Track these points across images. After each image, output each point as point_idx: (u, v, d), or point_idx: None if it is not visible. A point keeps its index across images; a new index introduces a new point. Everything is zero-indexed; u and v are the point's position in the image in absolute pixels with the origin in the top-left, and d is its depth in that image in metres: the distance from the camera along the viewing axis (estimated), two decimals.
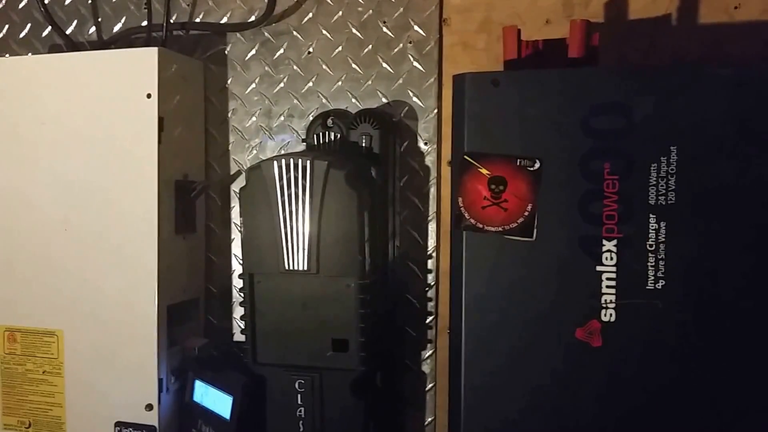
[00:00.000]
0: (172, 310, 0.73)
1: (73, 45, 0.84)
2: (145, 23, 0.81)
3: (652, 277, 0.53)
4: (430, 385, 0.74)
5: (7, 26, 0.88)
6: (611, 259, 0.54)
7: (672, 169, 0.53)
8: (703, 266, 0.53)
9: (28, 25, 0.87)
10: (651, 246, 0.53)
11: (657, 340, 0.53)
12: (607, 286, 0.54)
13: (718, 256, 0.53)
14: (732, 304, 0.53)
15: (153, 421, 0.71)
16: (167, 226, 0.72)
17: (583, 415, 0.55)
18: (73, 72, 0.73)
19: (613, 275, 0.54)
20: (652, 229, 0.53)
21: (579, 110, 0.54)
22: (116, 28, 0.83)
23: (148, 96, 0.70)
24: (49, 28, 0.85)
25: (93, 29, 0.84)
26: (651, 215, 0.53)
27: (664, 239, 0.53)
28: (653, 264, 0.53)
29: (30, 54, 0.86)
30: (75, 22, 0.85)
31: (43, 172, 0.74)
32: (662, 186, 0.53)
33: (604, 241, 0.54)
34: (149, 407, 0.71)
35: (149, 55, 0.70)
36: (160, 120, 0.70)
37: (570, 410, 0.55)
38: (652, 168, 0.53)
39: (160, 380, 0.71)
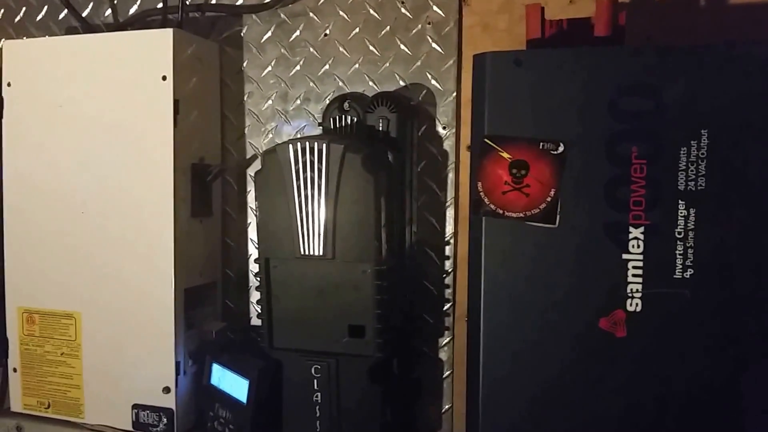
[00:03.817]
0: (189, 294, 0.73)
1: (89, 27, 0.84)
2: (160, 5, 0.80)
3: (681, 266, 0.52)
4: (447, 373, 0.73)
5: (24, 9, 0.87)
6: (638, 246, 0.52)
7: (702, 154, 0.51)
8: (734, 255, 0.51)
9: (45, 8, 0.87)
10: (680, 233, 0.52)
11: (684, 330, 0.52)
12: (633, 275, 0.52)
13: (749, 244, 0.51)
14: (764, 294, 0.51)
15: (170, 403, 0.71)
16: (184, 209, 0.72)
17: (605, 406, 0.53)
18: (89, 54, 0.73)
19: (640, 263, 0.52)
20: (681, 216, 0.51)
21: (606, 91, 0.52)
22: (132, 10, 0.83)
23: (164, 78, 0.69)
24: (66, 10, 0.84)
25: (109, 11, 0.83)
26: (680, 201, 0.51)
27: (693, 226, 0.51)
28: (682, 252, 0.52)
29: (47, 36, 0.86)
30: (91, 4, 0.84)
31: (59, 154, 0.74)
32: (692, 171, 0.51)
33: (631, 228, 0.52)
34: (167, 390, 0.71)
35: (165, 37, 0.70)
36: (176, 102, 0.70)
37: (592, 401, 0.54)
38: (681, 152, 0.51)
39: (177, 363, 0.71)
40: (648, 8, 0.66)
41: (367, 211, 0.61)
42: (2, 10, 0.88)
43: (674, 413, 0.52)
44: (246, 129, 0.80)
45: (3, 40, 0.86)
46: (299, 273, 0.64)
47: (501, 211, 0.55)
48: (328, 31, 0.76)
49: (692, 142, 0.51)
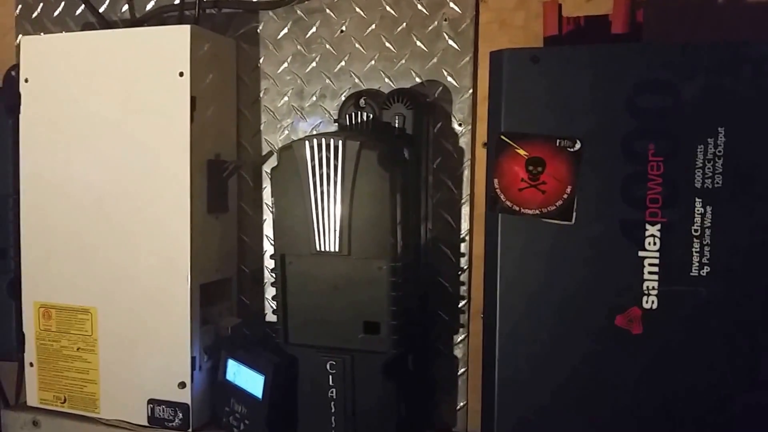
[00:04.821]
0: (204, 290, 0.73)
1: (106, 23, 0.84)
2: (177, 1, 0.81)
3: (697, 264, 0.52)
4: (462, 370, 0.73)
5: (41, 5, 0.88)
6: (654, 244, 0.52)
7: (719, 151, 0.51)
8: (750, 253, 0.51)
9: (62, 4, 0.87)
10: (696, 231, 0.52)
11: (700, 328, 0.52)
12: (650, 272, 0.52)
13: (765, 242, 0.51)
14: None
15: (186, 398, 0.72)
16: (200, 205, 0.72)
17: (620, 403, 0.54)
18: (106, 50, 0.73)
19: (656, 261, 0.52)
20: (698, 214, 0.51)
21: (623, 88, 0.53)
22: (149, 6, 0.83)
23: (181, 74, 0.70)
24: (83, 6, 0.85)
25: (126, 7, 0.84)
26: (697, 199, 0.51)
27: (710, 224, 0.51)
28: (698, 250, 0.51)
29: (64, 32, 0.86)
30: (108, 0, 0.85)
31: (75, 150, 0.75)
32: (709, 168, 0.51)
33: (647, 226, 0.52)
34: (182, 385, 0.72)
35: (182, 33, 0.70)
36: (193, 99, 0.70)
37: (608, 398, 0.54)
38: (698, 149, 0.51)
39: (193, 358, 0.71)
40: (665, 5, 0.66)
41: (382, 208, 0.62)
42: (20, 6, 0.89)
43: (690, 410, 0.52)
44: (262, 125, 0.80)
45: (20, 36, 0.87)
46: (315, 269, 0.64)
47: (517, 208, 0.55)
48: (344, 28, 0.76)
49: (709, 139, 0.51)
